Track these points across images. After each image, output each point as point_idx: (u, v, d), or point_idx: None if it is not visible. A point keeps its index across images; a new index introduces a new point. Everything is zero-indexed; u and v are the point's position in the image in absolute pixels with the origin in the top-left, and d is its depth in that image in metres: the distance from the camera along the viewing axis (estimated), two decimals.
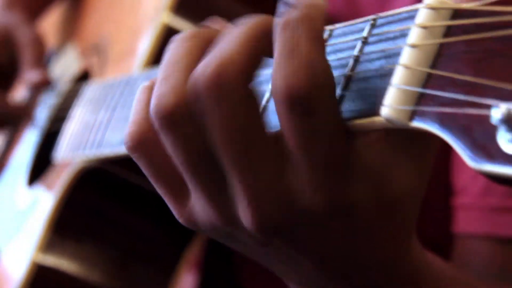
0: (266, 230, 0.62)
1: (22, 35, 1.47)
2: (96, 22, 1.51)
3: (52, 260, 1.22)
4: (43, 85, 1.46)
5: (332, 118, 0.60)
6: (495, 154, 0.53)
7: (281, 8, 0.60)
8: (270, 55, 0.61)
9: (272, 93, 0.60)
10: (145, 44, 1.19)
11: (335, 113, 0.60)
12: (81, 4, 1.61)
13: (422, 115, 0.58)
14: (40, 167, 1.42)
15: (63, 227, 1.23)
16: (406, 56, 0.60)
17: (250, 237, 0.66)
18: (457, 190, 1.03)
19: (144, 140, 0.67)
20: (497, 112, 0.52)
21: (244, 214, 0.62)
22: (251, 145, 0.60)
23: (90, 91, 1.28)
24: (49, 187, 1.32)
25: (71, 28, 1.62)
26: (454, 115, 0.56)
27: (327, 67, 0.59)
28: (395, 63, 0.60)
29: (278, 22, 0.60)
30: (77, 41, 1.56)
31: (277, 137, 0.62)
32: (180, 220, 0.68)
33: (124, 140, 0.68)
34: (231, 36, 0.62)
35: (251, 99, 0.60)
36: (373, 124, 0.61)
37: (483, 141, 0.54)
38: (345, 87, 0.64)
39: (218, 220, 0.65)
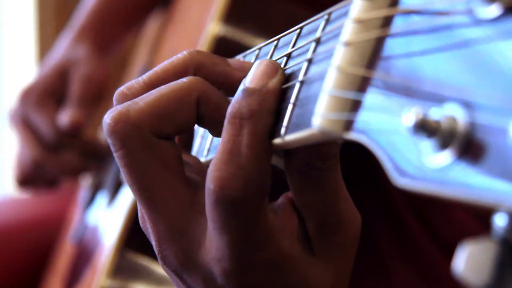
0: (166, 264, 0.61)
1: (77, 71, 1.40)
2: (170, 47, 1.47)
3: (120, 285, 1.18)
4: (72, 129, 1.32)
5: (254, 220, 0.57)
6: (416, 169, 0.43)
7: (239, 90, 0.56)
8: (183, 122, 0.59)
9: (206, 185, 0.57)
10: None
11: (258, 215, 0.57)
12: (167, 26, 1.57)
13: (360, 125, 0.49)
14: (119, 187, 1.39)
15: (130, 251, 1.19)
16: (339, 56, 0.50)
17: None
18: None
19: None
20: (409, 118, 0.42)
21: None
22: (152, 189, 0.59)
23: None
24: (119, 207, 1.29)
25: (156, 50, 1.59)
26: (384, 124, 0.46)
27: (262, 175, 0.55)
28: (328, 65, 0.51)
29: (229, 109, 0.56)
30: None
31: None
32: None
33: None
34: (155, 91, 0.59)
35: (151, 151, 0.59)
36: (309, 138, 0.52)
37: (406, 154, 0.44)
38: (298, 94, 0.56)
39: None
